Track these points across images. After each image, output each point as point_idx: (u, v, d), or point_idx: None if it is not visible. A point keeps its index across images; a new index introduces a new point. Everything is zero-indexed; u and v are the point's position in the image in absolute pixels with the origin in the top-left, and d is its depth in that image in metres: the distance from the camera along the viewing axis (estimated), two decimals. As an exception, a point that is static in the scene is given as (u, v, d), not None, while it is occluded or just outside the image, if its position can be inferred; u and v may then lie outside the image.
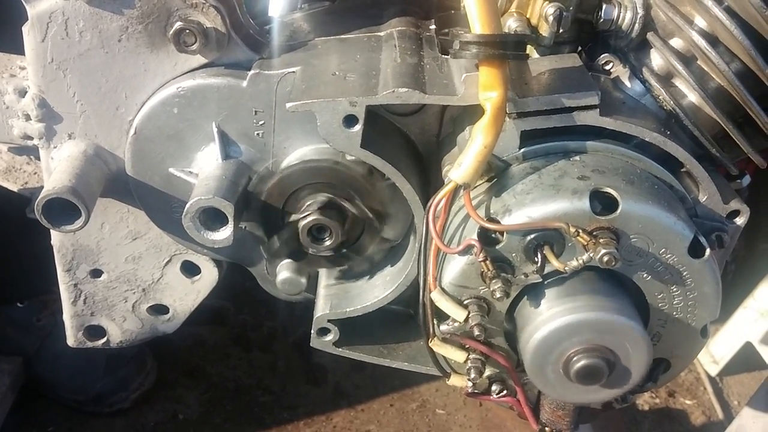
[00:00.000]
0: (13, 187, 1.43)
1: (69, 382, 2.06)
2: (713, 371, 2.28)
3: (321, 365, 2.26)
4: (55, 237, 1.29)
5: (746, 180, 1.22)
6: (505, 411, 2.12)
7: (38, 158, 1.36)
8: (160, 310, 1.38)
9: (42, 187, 1.13)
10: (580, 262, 0.99)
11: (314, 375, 2.24)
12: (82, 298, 1.35)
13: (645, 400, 2.21)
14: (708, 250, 1.04)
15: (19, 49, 1.17)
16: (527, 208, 1.00)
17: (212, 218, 1.12)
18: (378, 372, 2.20)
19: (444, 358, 1.13)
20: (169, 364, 2.21)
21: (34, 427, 2.04)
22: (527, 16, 1.11)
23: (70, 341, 1.40)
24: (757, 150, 1.13)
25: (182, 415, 2.12)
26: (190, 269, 1.33)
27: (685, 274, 1.04)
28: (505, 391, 1.14)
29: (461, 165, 1.00)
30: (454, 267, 1.04)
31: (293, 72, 1.12)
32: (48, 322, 2.07)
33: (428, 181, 1.20)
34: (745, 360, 2.21)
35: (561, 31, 1.11)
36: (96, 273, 1.33)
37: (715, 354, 2.26)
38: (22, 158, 1.42)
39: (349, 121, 1.04)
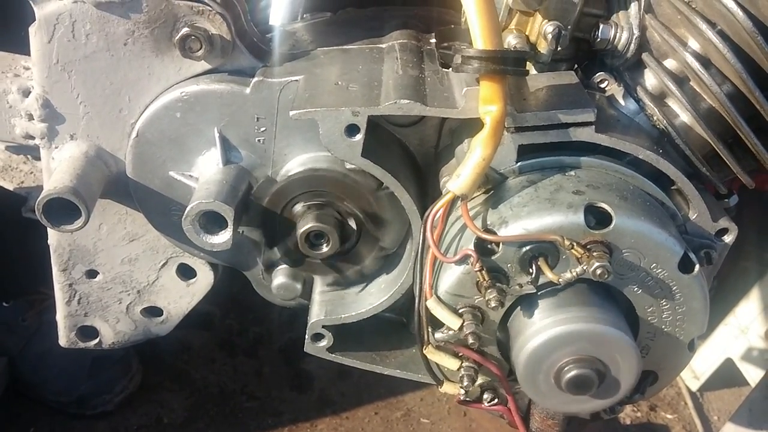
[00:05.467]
0: (9, 186, 1.44)
1: (53, 382, 2.05)
2: (694, 386, 2.31)
3: (307, 372, 2.26)
4: (53, 237, 1.29)
5: (734, 199, 1.24)
6: (490, 422, 2.14)
7: (35, 158, 1.37)
8: (154, 312, 1.39)
9: (38, 187, 1.14)
10: (574, 274, 1.01)
11: (299, 382, 2.24)
12: (77, 298, 1.35)
13: (627, 414, 2.24)
14: (697, 266, 1.07)
15: (23, 50, 1.18)
16: (523, 220, 1.03)
17: (212, 222, 1.13)
18: (363, 380, 2.21)
19: (437, 365, 1.14)
20: (154, 368, 2.21)
21: (15, 427, 2.03)
22: (526, 34, 1.14)
23: (62, 341, 1.40)
24: (746, 170, 1.15)
25: (166, 419, 2.12)
26: (186, 272, 1.34)
27: (674, 288, 1.07)
28: (496, 400, 1.16)
29: (459, 176, 1.02)
30: (451, 276, 1.06)
31: (296, 80, 1.14)
32: (34, 322, 2.06)
33: (425, 191, 1.22)
34: (725, 376, 2.24)
35: (559, 49, 1.13)
36: (92, 273, 1.33)
37: (696, 369, 2.29)
38: (18, 157, 1.42)
39: (351, 130, 1.06)
